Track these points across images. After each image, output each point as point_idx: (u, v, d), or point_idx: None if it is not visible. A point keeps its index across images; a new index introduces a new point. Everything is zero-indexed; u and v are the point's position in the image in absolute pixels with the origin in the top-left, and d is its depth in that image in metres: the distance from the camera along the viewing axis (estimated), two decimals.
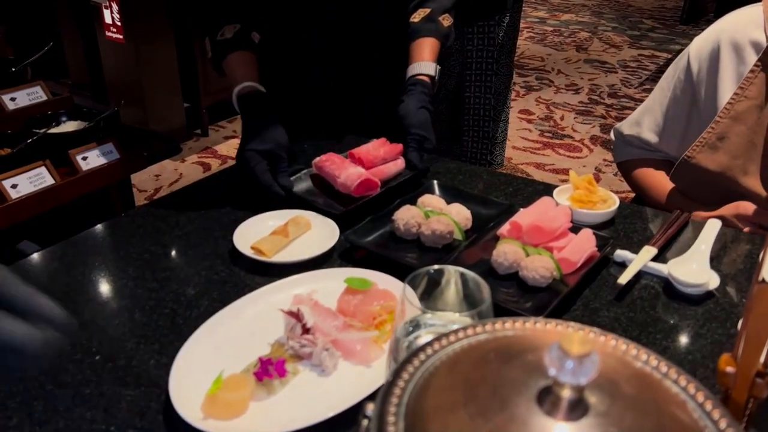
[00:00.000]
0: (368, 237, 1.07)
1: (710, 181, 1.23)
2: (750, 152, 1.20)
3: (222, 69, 1.34)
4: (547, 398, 0.39)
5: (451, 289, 0.63)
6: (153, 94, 3.48)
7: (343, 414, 0.71)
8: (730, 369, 0.50)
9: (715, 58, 1.25)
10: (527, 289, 0.94)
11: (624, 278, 0.95)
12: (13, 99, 1.92)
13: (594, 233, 1.02)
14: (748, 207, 1.19)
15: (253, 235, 1.06)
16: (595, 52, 5.64)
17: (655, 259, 1.01)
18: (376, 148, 1.25)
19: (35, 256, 1.06)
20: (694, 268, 0.97)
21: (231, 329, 0.85)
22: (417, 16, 1.38)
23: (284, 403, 0.75)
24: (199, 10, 1.38)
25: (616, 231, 1.12)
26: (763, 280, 0.47)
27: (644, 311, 0.92)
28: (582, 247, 0.99)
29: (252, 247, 1.03)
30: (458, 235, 1.05)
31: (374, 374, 0.79)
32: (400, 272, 0.84)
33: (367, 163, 1.22)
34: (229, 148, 3.68)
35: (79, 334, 0.87)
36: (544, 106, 4.36)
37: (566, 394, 0.38)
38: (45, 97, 2.00)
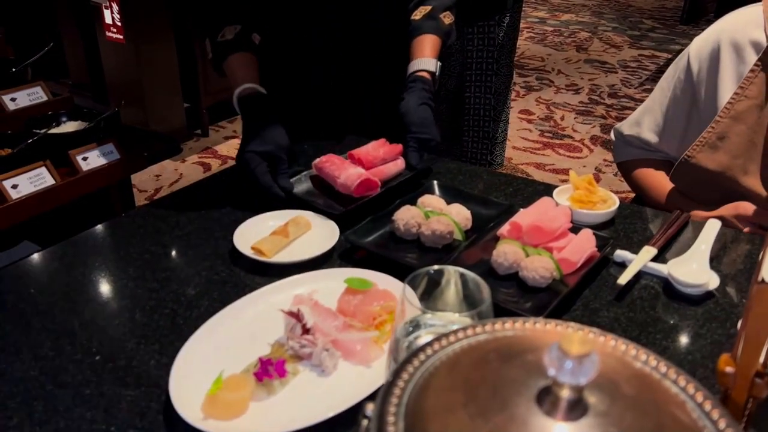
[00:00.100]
0: (368, 237, 1.07)
1: (710, 180, 1.23)
2: (750, 152, 1.21)
3: (222, 70, 1.34)
4: (546, 398, 0.39)
5: (451, 290, 0.63)
6: (153, 95, 3.48)
7: (343, 414, 0.71)
8: (729, 369, 0.50)
9: (715, 58, 1.25)
10: (527, 290, 0.94)
11: (624, 278, 0.95)
12: (13, 99, 1.92)
13: (594, 233, 1.02)
14: (747, 207, 1.19)
15: (254, 235, 1.06)
16: (596, 52, 5.64)
17: (654, 259, 1.01)
18: (375, 148, 1.25)
19: (36, 256, 1.06)
20: (693, 268, 0.97)
21: (231, 329, 0.85)
22: (418, 14, 1.38)
23: (284, 403, 0.75)
24: (200, 11, 1.38)
25: (616, 231, 1.12)
26: (763, 281, 0.47)
27: (644, 311, 0.92)
28: (582, 247, 0.99)
29: (252, 248, 1.03)
30: (458, 236, 1.05)
31: (374, 374, 0.79)
32: (400, 272, 0.84)
33: (366, 164, 1.22)
34: (230, 148, 3.68)
35: (80, 334, 0.87)
36: (544, 107, 4.36)
37: (566, 394, 0.38)
38: (45, 98, 2.00)
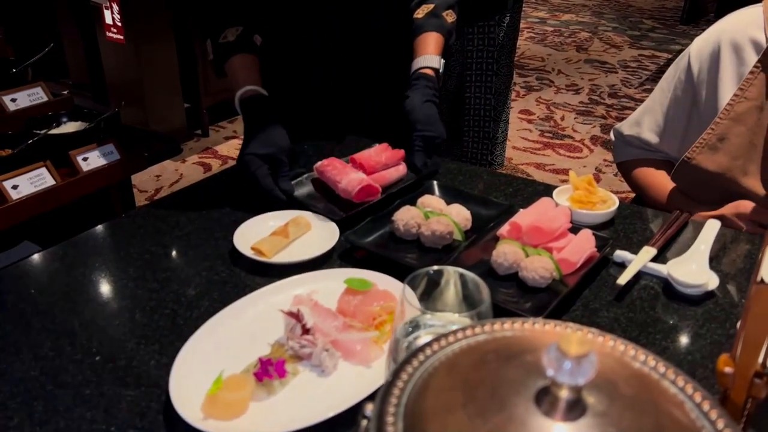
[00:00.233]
0: (368, 237, 1.07)
1: (710, 181, 1.23)
2: (750, 153, 1.21)
3: (224, 72, 1.34)
4: (545, 399, 0.39)
5: (451, 290, 0.63)
6: (153, 95, 3.48)
7: (342, 414, 0.71)
8: (728, 369, 0.50)
9: (715, 58, 1.25)
10: (527, 290, 0.94)
11: (623, 279, 0.95)
12: (13, 100, 1.92)
13: (593, 234, 1.02)
14: (748, 206, 1.19)
15: (254, 235, 1.06)
16: (596, 52, 5.64)
17: (654, 259, 1.01)
18: (377, 153, 1.25)
19: (36, 256, 1.06)
20: (693, 268, 0.97)
21: (231, 330, 0.85)
22: (420, 12, 1.38)
23: (284, 403, 0.75)
24: (201, 12, 1.38)
25: (615, 231, 1.12)
26: (762, 281, 0.47)
27: (644, 312, 0.92)
28: (581, 247, 0.99)
29: (252, 248, 1.03)
30: (458, 236, 1.05)
31: (374, 374, 0.79)
32: (400, 273, 0.84)
33: (368, 169, 1.22)
34: (230, 148, 3.68)
35: (80, 335, 0.87)
36: (544, 107, 4.36)
37: (564, 394, 0.38)
38: (45, 98, 2.00)
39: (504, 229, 1.04)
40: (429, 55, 1.32)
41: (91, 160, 1.74)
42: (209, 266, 1.02)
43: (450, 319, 0.62)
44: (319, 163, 1.23)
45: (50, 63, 3.56)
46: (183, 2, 3.41)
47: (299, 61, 1.47)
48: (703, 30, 1.32)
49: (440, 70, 1.33)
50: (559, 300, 0.89)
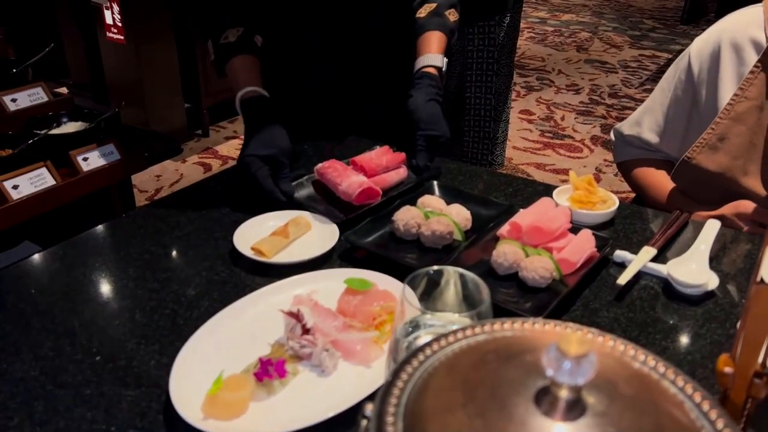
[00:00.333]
0: (368, 237, 1.07)
1: (710, 181, 1.23)
2: (750, 153, 1.21)
3: (225, 72, 1.34)
4: (545, 398, 0.39)
5: (451, 290, 0.63)
6: (154, 95, 3.48)
7: (342, 414, 0.71)
8: (728, 369, 0.50)
9: (715, 58, 1.25)
10: (527, 290, 0.94)
11: (623, 279, 0.95)
12: (14, 100, 1.93)
13: (593, 234, 1.02)
14: (748, 205, 1.19)
15: (254, 235, 1.06)
16: (596, 52, 5.64)
17: (654, 259, 1.01)
18: (378, 156, 1.25)
19: (36, 256, 1.06)
20: (693, 268, 0.97)
21: (231, 330, 0.85)
22: (423, 12, 1.38)
23: (284, 403, 0.75)
24: (202, 13, 1.38)
25: (615, 231, 1.12)
26: (762, 281, 0.47)
27: (644, 312, 0.92)
28: (581, 247, 0.99)
29: (252, 248, 1.03)
30: (458, 236, 1.05)
31: (374, 374, 0.79)
32: (400, 273, 0.84)
33: (369, 171, 1.21)
34: (230, 148, 3.68)
35: (80, 335, 0.87)
36: (544, 107, 4.36)
37: (564, 394, 0.38)
38: (46, 98, 2.01)
39: (504, 229, 1.04)
40: (432, 54, 1.32)
41: (92, 160, 1.74)
42: (209, 266, 1.02)
43: (450, 319, 0.62)
44: (320, 165, 1.23)
45: (51, 63, 3.56)
46: (183, 3, 3.41)
47: (299, 61, 1.47)
48: (704, 30, 1.32)
49: (443, 69, 1.33)
50: (559, 300, 0.89)
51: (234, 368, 0.78)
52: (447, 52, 1.36)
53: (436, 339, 0.46)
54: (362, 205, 1.16)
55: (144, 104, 3.44)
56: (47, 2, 3.67)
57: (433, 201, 1.12)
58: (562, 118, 4.16)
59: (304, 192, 1.22)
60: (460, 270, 0.62)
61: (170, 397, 0.73)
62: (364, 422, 0.42)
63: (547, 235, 1.00)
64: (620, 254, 1.02)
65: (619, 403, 0.40)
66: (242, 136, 1.26)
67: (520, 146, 3.74)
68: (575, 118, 4.17)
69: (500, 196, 1.24)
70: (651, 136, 1.38)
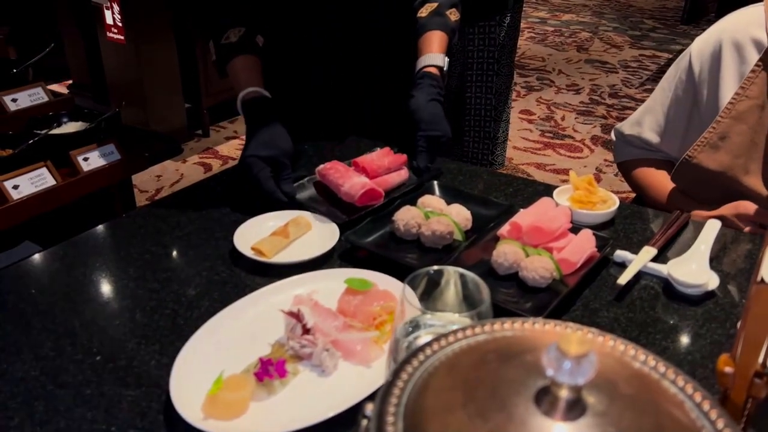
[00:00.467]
0: (368, 237, 1.07)
1: (711, 180, 1.23)
2: (751, 152, 1.21)
3: (226, 73, 1.34)
4: (545, 398, 0.39)
5: (451, 290, 0.63)
6: (154, 95, 3.48)
7: (343, 414, 0.71)
8: (728, 369, 0.50)
9: (716, 57, 1.25)
10: (527, 290, 0.94)
11: (624, 279, 0.95)
12: (14, 100, 1.93)
13: (594, 234, 1.02)
14: (748, 206, 1.19)
15: (254, 235, 1.06)
16: (596, 52, 5.64)
17: (654, 259, 1.01)
18: (380, 157, 1.25)
19: (37, 256, 1.07)
20: (693, 268, 0.97)
21: (231, 330, 0.85)
22: (424, 11, 1.37)
23: (284, 403, 0.75)
24: (202, 13, 1.38)
25: (615, 231, 1.12)
26: (762, 281, 0.47)
27: (644, 312, 0.92)
28: (582, 247, 0.99)
29: (252, 248, 1.03)
30: (458, 236, 1.05)
31: (374, 374, 0.79)
32: (400, 273, 0.84)
33: (371, 173, 1.21)
34: (230, 148, 3.68)
35: (80, 335, 0.87)
36: (544, 107, 4.36)
37: (564, 394, 0.38)
38: (46, 98, 2.01)
39: (504, 229, 1.04)
40: (433, 54, 1.32)
41: (92, 160, 1.74)
42: (210, 266, 1.02)
43: (450, 319, 0.62)
44: (321, 166, 1.23)
45: (51, 63, 3.56)
46: (183, 3, 3.41)
47: (299, 61, 1.47)
48: (704, 30, 1.32)
49: (445, 69, 1.33)
50: (559, 300, 0.89)
51: (234, 368, 0.78)
52: (448, 52, 1.36)
53: (437, 339, 0.46)
54: (364, 207, 1.16)
55: (144, 104, 3.45)
56: (47, 2, 3.67)
57: (433, 201, 1.12)
58: (563, 118, 4.16)
59: (306, 193, 1.22)
60: (461, 270, 0.62)
61: (170, 397, 0.73)
62: (364, 422, 0.42)
63: (547, 235, 1.00)
64: (620, 254, 1.02)
65: (619, 403, 0.40)
66: (243, 136, 1.26)
67: (521, 146, 3.74)
68: (575, 118, 4.17)
69: (500, 196, 1.24)
70: (651, 136, 1.38)
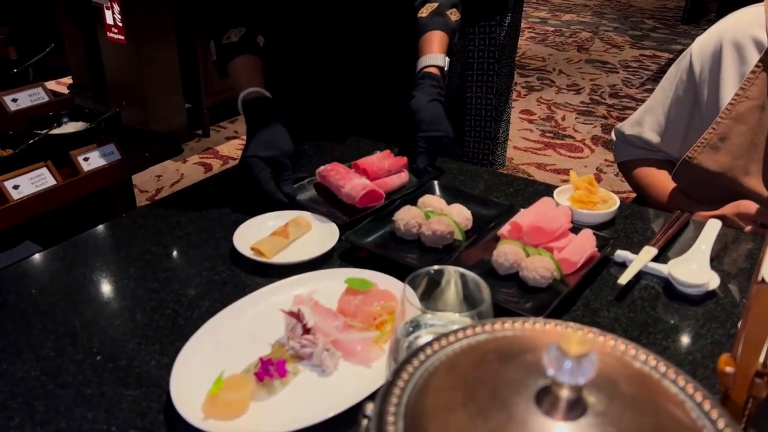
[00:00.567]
0: (368, 237, 1.07)
1: (711, 181, 1.23)
2: (751, 152, 1.21)
3: (227, 72, 1.34)
4: (545, 398, 0.39)
5: (451, 290, 0.63)
6: (154, 95, 3.48)
7: (343, 414, 0.71)
8: (729, 369, 0.50)
9: (717, 58, 1.25)
10: (527, 290, 0.94)
11: (624, 278, 0.95)
12: (14, 100, 1.93)
13: (594, 233, 1.02)
14: (749, 205, 1.19)
15: (254, 235, 1.06)
16: (597, 52, 5.64)
17: (655, 259, 1.01)
18: (380, 159, 1.25)
19: (37, 256, 1.06)
20: (694, 268, 0.97)
21: (232, 330, 0.85)
22: (425, 11, 1.37)
23: (285, 403, 0.75)
24: (203, 13, 1.38)
25: (616, 231, 1.12)
26: (762, 280, 0.47)
27: (644, 311, 0.92)
28: (582, 247, 0.99)
29: (252, 248, 1.03)
30: (459, 236, 1.05)
31: (374, 374, 0.79)
32: (401, 273, 0.84)
33: (371, 175, 1.21)
34: (231, 148, 3.68)
35: (81, 335, 0.87)
36: (545, 107, 4.36)
37: (565, 393, 0.38)
38: (46, 98, 2.01)
39: (505, 229, 1.04)
40: (434, 54, 1.32)
41: (92, 160, 1.74)
42: (210, 266, 1.02)
43: (450, 318, 0.62)
44: (322, 167, 1.23)
45: (52, 63, 3.56)
46: (184, 3, 3.41)
47: (299, 61, 1.46)
48: (705, 30, 1.32)
49: (445, 69, 1.33)
50: (559, 300, 0.89)
51: (234, 368, 0.78)
52: (448, 52, 1.36)
53: (437, 339, 0.46)
54: (365, 208, 1.16)
55: (144, 104, 3.45)
56: (48, 2, 3.67)
57: (433, 201, 1.12)
58: (563, 118, 4.16)
59: (306, 194, 1.22)
60: (461, 270, 0.62)
61: (171, 397, 0.73)
62: (364, 422, 0.42)
63: (547, 234, 1.00)
64: (621, 254, 1.02)
65: (619, 403, 0.40)
66: (243, 136, 1.26)
67: (521, 146, 3.74)
68: (576, 118, 4.17)
69: (501, 195, 1.24)
70: (652, 136, 1.38)
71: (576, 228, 1.04)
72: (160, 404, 0.76)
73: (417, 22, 1.37)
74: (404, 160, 1.27)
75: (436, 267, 0.63)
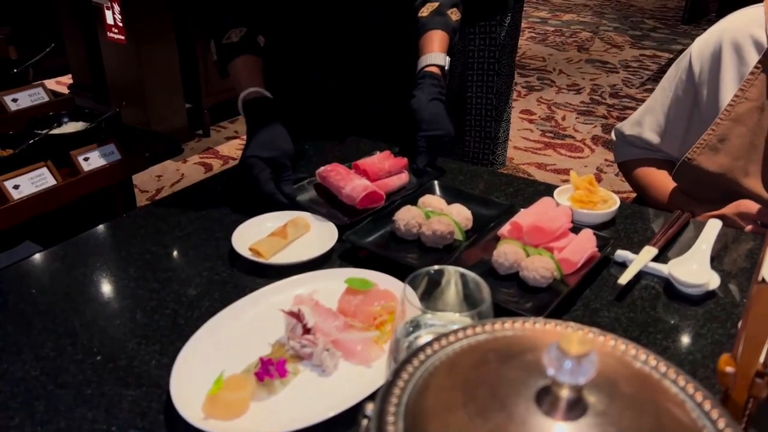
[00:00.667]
0: (369, 237, 1.07)
1: (711, 182, 1.23)
2: (751, 153, 1.20)
3: (227, 73, 1.34)
4: (545, 398, 0.39)
5: (452, 290, 0.63)
6: (154, 95, 3.48)
7: (343, 414, 0.71)
8: (729, 369, 0.50)
9: (716, 58, 1.25)
10: (528, 290, 0.94)
11: (624, 278, 0.95)
12: (14, 100, 1.93)
13: (594, 233, 1.02)
14: (750, 205, 1.19)
15: (252, 236, 1.06)
16: (597, 52, 5.64)
17: (655, 259, 1.01)
18: (381, 160, 1.25)
19: (37, 256, 1.06)
20: (694, 268, 0.97)
21: (232, 329, 0.85)
22: (425, 11, 1.37)
23: (285, 403, 0.75)
24: (203, 13, 1.37)
25: (616, 231, 1.12)
26: (763, 280, 0.47)
27: (645, 311, 0.92)
28: (582, 247, 0.99)
29: (250, 249, 1.03)
30: (459, 236, 1.05)
31: (374, 374, 0.79)
32: (401, 272, 0.84)
33: (372, 176, 1.21)
34: (231, 148, 3.68)
35: (81, 335, 0.87)
36: (545, 106, 4.36)
37: (565, 393, 0.38)
38: (46, 98, 2.01)
39: (505, 229, 1.04)
40: (435, 53, 1.32)
41: (92, 160, 1.75)
42: (210, 266, 1.02)
43: (451, 318, 0.62)
44: (322, 168, 1.23)
45: (52, 63, 3.56)
46: (184, 3, 3.41)
47: (299, 61, 1.46)
48: (705, 30, 1.32)
49: (446, 68, 1.33)
50: (559, 300, 0.89)
51: (235, 368, 0.78)
52: (449, 52, 1.36)
53: (437, 339, 0.46)
54: (365, 209, 1.15)
55: (145, 104, 3.45)
56: (48, 2, 3.67)
57: (433, 201, 1.12)
58: (563, 118, 4.16)
59: (306, 195, 1.22)
60: (461, 270, 0.62)
61: (171, 397, 0.73)
62: (364, 422, 0.42)
63: (547, 234, 1.00)
64: (621, 254, 1.02)
65: (620, 403, 0.39)
66: (243, 136, 1.26)
67: (521, 146, 3.74)
68: (576, 118, 4.17)
69: (501, 195, 1.23)
70: (652, 136, 1.38)
71: (576, 228, 1.04)
72: (160, 404, 0.76)
73: (417, 21, 1.38)
74: (404, 161, 1.27)
75: (436, 267, 0.63)
